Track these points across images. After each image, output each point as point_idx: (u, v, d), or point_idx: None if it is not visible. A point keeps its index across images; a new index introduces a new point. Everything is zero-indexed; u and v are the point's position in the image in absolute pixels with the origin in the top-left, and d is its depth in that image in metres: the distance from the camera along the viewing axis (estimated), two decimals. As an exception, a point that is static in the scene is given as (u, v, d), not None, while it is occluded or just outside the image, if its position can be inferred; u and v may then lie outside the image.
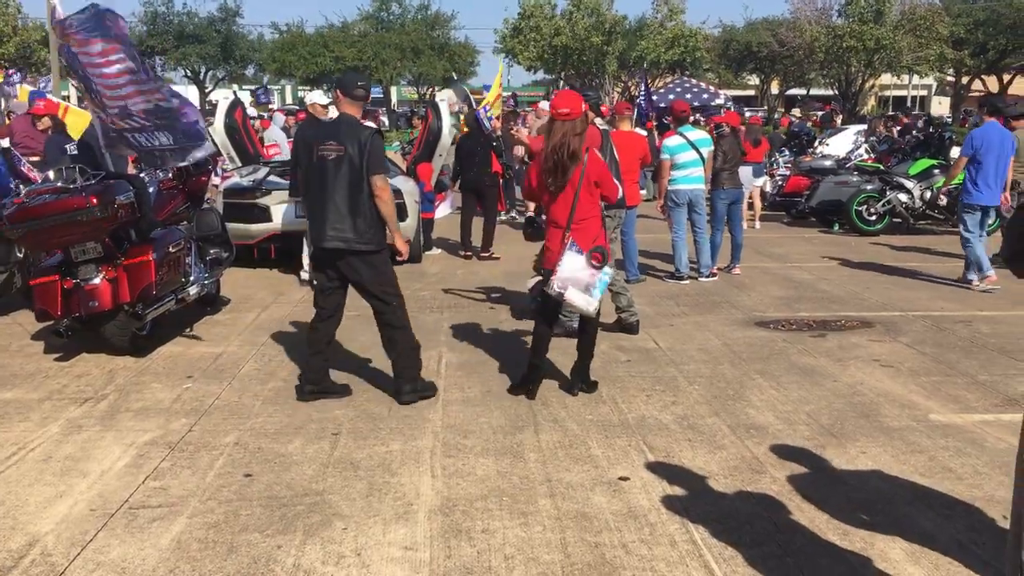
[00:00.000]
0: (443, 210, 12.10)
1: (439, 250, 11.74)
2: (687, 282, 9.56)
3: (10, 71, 16.99)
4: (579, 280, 5.40)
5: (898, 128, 19.55)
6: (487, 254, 11.17)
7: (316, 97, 9.91)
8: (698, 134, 9.66)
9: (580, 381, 5.82)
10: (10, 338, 7.09)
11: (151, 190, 7.28)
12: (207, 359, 6.54)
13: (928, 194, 13.28)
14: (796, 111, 21.02)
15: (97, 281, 6.28)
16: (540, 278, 5.74)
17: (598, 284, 5.45)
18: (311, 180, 5.44)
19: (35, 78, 28.23)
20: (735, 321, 7.86)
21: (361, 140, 5.33)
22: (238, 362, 6.48)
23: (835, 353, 6.79)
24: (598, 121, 7.25)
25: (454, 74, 31.00)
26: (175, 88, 8.09)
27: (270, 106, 22.49)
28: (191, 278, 7.29)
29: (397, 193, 10.15)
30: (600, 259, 5.42)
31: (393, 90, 51.66)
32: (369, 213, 5.38)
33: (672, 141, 9.57)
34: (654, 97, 26.72)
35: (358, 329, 7.05)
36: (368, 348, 6.67)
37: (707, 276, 9.64)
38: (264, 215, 10.03)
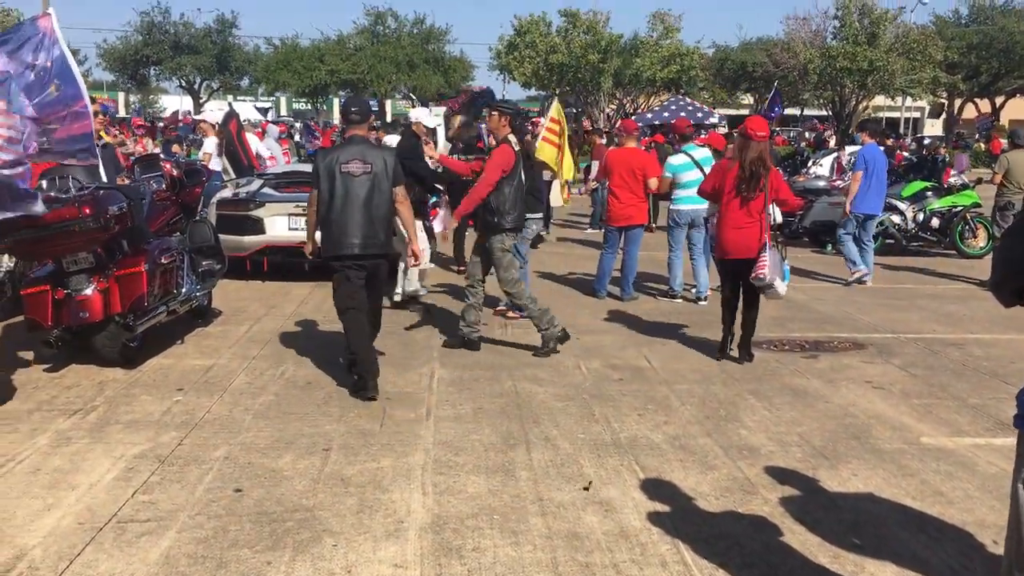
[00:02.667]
0: (437, 225, 12.08)
1: (432, 264, 11.71)
2: (679, 301, 9.56)
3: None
4: (779, 271, 6.79)
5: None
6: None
7: (421, 115, 9.33)
8: (702, 153, 9.64)
9: (746, 352, 7.05)
10: None
11: (144, 201, 7.26)
12: (198, 372, 6.51)
13: (921, 216, 13.35)
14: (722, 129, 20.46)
15: (88, 292, 6.24)
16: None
17: (786, 273, 6.94)
18: (338, 196, 5.96)
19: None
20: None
21: (385, 158, 6.11)
22: (229, 375, 6.45)
23: (827, 374, 6.79)
24: (513, 138, 7.11)
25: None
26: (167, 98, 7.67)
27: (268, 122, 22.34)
28: (183, 290, 7.26)
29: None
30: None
31: (388, 103, 51.76)
32: (391, 221, 6.23)
33: (676, 159, 9.58)
34: (648, 115, 26.82)
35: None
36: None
37: (705, 299, 9.52)
38: (257, 227, 10.01)
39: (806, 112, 47.00)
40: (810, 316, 8.96)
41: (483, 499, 4.36)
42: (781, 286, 6.84)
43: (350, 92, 50.12)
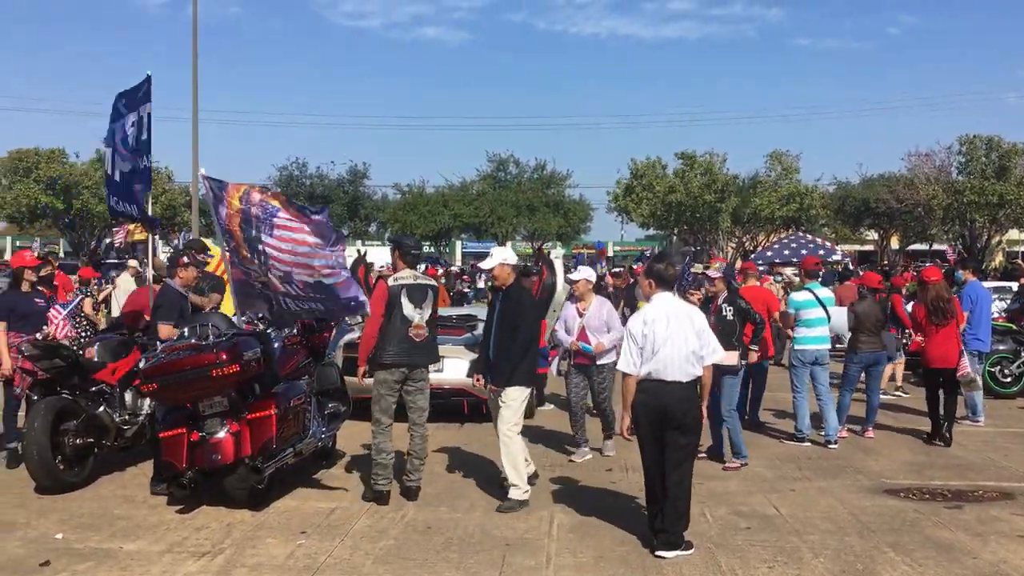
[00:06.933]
0: (557, 366, 12.08)
1: (551, 406, 11.69)
2: (807, 444, 9.18)
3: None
4: (972, 367, 9.62)
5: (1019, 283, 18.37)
6: (600, 411, 11.02)
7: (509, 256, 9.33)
8: (825, 292, 9.50)
9: (947, 433, 9.19)
10: (136, 489, 7.32)
11: (276, 346, 7.57)
12: (321, 514, 6.59)
13: (1068, 354, 12.56)
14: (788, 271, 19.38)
15: (221, 435, 6.48)
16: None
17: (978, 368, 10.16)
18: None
19: (176, 235, 30.24)
20: (862, 488, 7.47)
21: None
22: (351, 518, 6.50)
23: (974, 527, 6.34)
24: None
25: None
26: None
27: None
28: (310, 432, 7.44)
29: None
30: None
31: (508, 245, 53.08)
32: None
33: (799, 296, 9.43)
34: (768, 253, 26.54)
35: (467, 491, 6.98)
36: (456, 515, 6.61)
37: (835, 442, 9.10)
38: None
39: (935, 247, 45.63)
40: (951, 462, 8.45)
41: (605, 656, 4.18)
42: (978, 379, 9.75)
43: (472, 235, 51.87)
